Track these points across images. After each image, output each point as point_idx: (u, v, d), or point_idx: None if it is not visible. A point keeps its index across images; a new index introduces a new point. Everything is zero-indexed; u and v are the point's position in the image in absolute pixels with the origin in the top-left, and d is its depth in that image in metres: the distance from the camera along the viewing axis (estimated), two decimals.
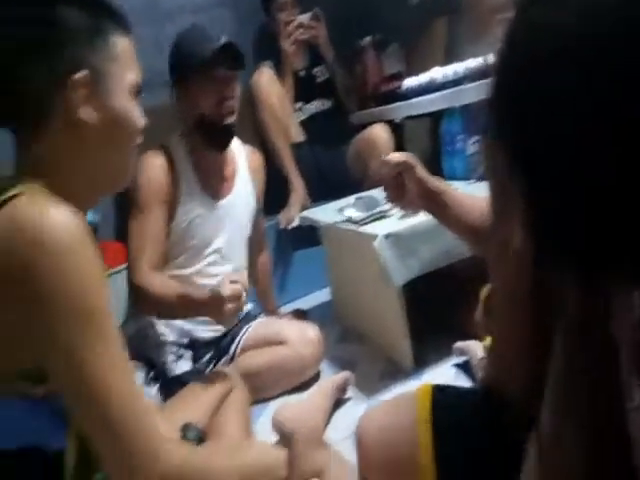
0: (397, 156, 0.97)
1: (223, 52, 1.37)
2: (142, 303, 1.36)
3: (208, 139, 1.46)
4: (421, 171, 0.95)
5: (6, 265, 0.58)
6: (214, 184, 1.52)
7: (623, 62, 0.36)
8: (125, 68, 0.72)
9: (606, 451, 0.47)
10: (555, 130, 0.40)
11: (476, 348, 1.33)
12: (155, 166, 1.42)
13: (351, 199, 1.72)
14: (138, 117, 0.75)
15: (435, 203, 0.95)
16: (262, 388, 1.44)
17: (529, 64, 0.41)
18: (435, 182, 0.96)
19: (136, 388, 0.64)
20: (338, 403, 1.39)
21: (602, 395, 0.47)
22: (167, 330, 1.46)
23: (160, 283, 1.33)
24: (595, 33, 0.37)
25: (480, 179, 1.81)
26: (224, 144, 1.50)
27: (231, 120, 1.45)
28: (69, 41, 0.67)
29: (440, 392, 0.82)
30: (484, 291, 0.98)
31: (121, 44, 0.72)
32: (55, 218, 0.59)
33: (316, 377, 1.56)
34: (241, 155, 1.62)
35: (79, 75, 0.66)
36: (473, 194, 0.96)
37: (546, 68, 0.39)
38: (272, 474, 0.85)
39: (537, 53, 0.40)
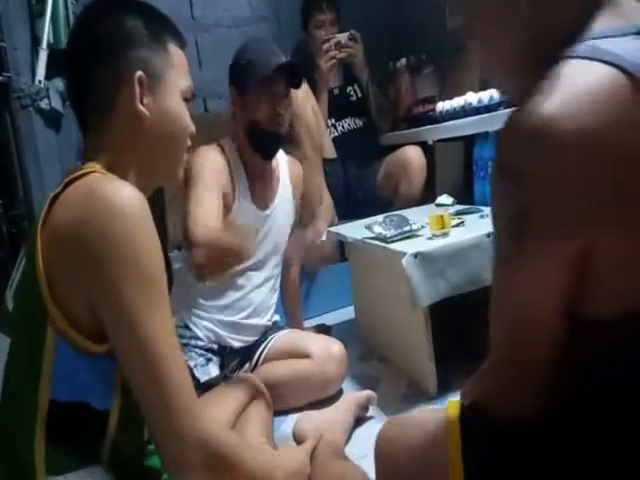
0: None
1: (283, 69, 1.44)
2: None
3: (258, 145, 1.51)
4: None
5: (83, 230, 0.65)
6: (261, 193, 1.56)
7: None
8: (179, 75, 0.82)
9: None
10: None
11: None
12: (216, 160, 1.46)
13: (379, 217, 1.70)
14: (188, 120, 0.83)
15: None
16: (283, 399, 1.42)
17: None
18: None
19: (180, 352, 0.68)
20: (359, 421, 1.37)
21: None
22: (200, 333, 1.48)
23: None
24: None
25: None
26: (272, 152, 1.55)
27: (281, 131, 1.51)
28: (132, 45, 0.77)
29: (469, 410, 0.79)
30: None
31: (177, 54, 0.82)
32: (126, 191, 0.67)
33: (338, 395, 1.53)
34: (283, 164, 1.66)
35: (138, 74, 0.76)
36: None
37: None
38: (298, 472, 0.90)
39: None
